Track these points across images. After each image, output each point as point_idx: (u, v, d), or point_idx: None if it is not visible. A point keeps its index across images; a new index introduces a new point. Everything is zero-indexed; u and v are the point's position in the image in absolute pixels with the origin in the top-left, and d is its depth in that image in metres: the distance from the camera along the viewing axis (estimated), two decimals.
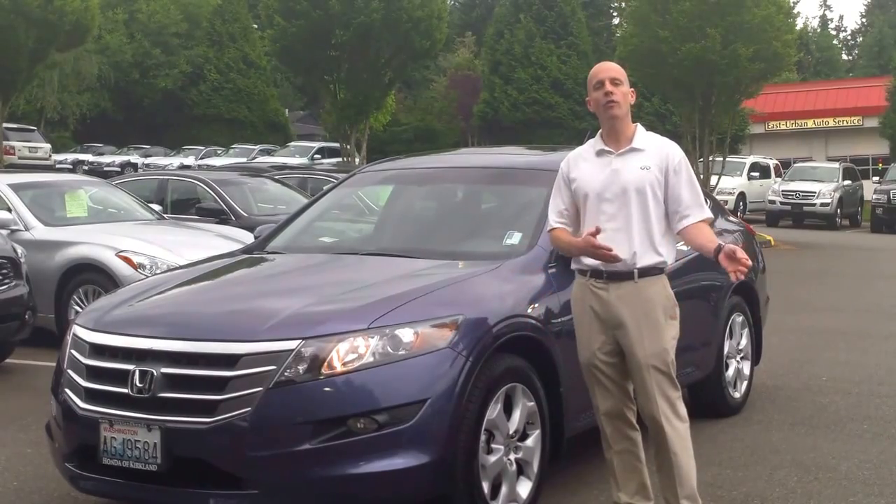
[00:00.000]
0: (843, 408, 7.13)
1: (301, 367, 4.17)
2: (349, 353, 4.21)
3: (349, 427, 4.13)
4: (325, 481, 4.12)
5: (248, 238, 8.28)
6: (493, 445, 4.50)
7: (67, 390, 4.59)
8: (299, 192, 13.55)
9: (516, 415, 4.62)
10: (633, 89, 4.52)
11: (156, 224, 10.61)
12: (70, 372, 4.63)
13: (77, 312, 8.47)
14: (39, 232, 9.67)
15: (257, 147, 41.03)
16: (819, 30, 77.77)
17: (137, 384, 4.30)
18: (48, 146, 36.04)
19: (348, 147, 28.91)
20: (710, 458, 5.79)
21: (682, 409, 4.47)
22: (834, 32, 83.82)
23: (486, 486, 4.42)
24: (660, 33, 22.17)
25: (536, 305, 4.85)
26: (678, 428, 4.43)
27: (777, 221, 30.62)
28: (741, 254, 4.19)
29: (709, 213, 4.49)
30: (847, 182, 32.02)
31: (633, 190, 4.39)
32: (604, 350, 4.50)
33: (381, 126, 35.96)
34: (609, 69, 4.51)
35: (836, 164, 33.81)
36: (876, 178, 33.74)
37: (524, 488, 4.66)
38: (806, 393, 7.60)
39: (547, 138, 41.61)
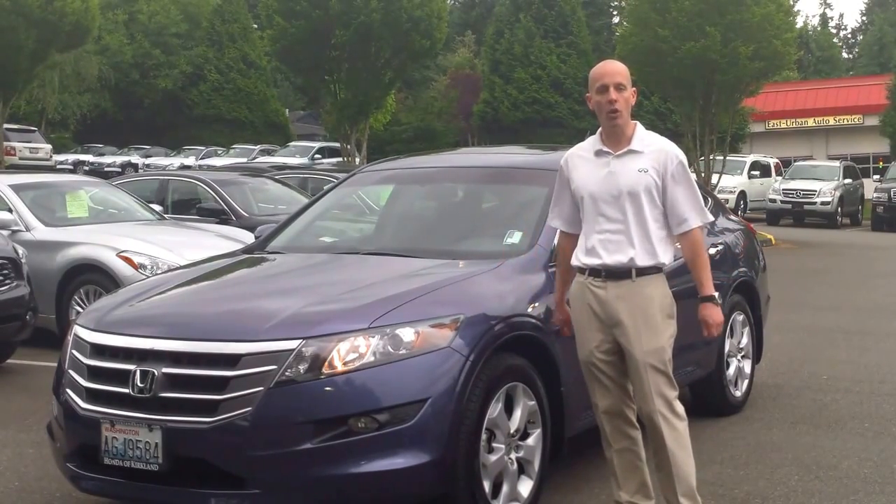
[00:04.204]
0: (844, 406, 7.13)
1: (302, 367, 4.18)
2: (350, 352, 4.21)
3: (350, 426, 4.13)
4: (326, 481, 4.13)
5: (248, 238, 8.29)
6: (494, 444, 4.50)
7: (69, 390, 4.59)
8: (300, 192, 13.55)
9: (517, 414, 4.62)
10: (634, 88, 4.51)
11: (156, 224, 10.61)
12: (71, 372, 4.63)
13: (78, 313, 8.47)
14: (40, 232, 9.68)
15: (258, 147, 41.05)
16: (819, 28, 77.79)
17: (138, 384, 4.30)
18: (49, 147, 36.09)
19: (348, 147, 28.93)
20: (711, 457, 5.79)
21: (680, 408, 4.47)
22: (834, 31, 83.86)
23: (487, 485, 4.43)
24: (659, 32, 22.17)
25: (537, 304, 4.85)
26: (676, 427, 4.43)
27: (778, 220, 30.62)
28: (715, 323, 4.41)
29: (708, 217, 4.48)
30: (848, 180, 32.00)
31: (630, 193, 4.39)
32: (602, 349, 4.50)
33: (381, 126, 35.98)
34: (613, 73, 4.43)
35: (837, 163, 33.80)
36: (876, 177, 33.71)
37: (525, 487, 4.66)
38: (807, 391, 7.60)
39: (547, 138, 41.56)
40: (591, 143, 4.57)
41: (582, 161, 4.55)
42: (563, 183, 4.62)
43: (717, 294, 4.39)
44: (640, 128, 4.53)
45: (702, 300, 4.39)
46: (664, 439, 4.41)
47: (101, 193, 11.20)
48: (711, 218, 4.57)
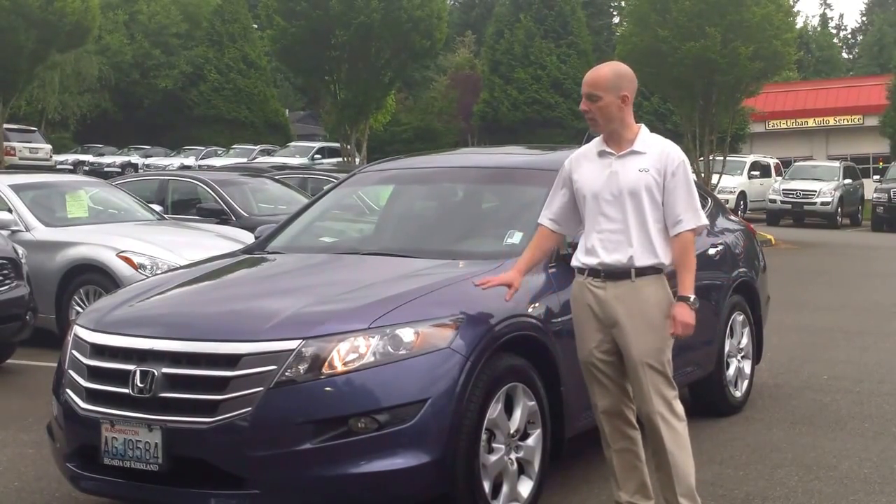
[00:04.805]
0: (844, 406, 7.13)
1: (302, 367, 4.18)
2: (350, 352, 4.21)
3: (350, 427, 4.13)
4: (325, 481, 4.13)
5: (248, 238, 8.29)
6: (494, 445, 4.50)
7: (68, 390, 4.59)
8: (299, 193, 13.55)
9: (517, 414, 4.62)
10: (625, 93, 4.43)
11: (156, 224, 10.62)
12: (71, 372, 4.63)
13: (78, 313, 8.47)
14: (40, 233, 9.68)
15: (257, 147, 41.07)
16: (819, 28, 77.76)
17: (138, 384, 4.30)
18: (49, 147, 36.09)
19: (348, 147, 28.93)
20: (711, 457, 5.79)
21: (679, 408, 4.47)
22: (834, 31, 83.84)
23: (486, 486, 4.43)
24: (660, 32, 22.18)
25: (537, 305, 4.86)
26: (675, 427, 4.43)
27: (778, 220, 30.62)
28: (682, 322, 4.32)
29: (702, 221, 4.47)
30: (847, 181, 32.01)
31: (631, 192, 4.40)
32: (601, 349, 4.51)
33: (381, 126, 35.96)
34: (590, 82, 4.43)
35: (837, 163, 33.80)
36: (876, 177, 33.72)
37: (525, 487, 4.66)
38: (807, 391, 7.60)
39: (547, 138, 41.60)
40: (596, 143, 4.60)
41: (586, 161, 4.58)
42: (561, 182, 4.63)
43: (693, 297, 4.36)
44: (644, 130, 4.54)
45: (678, 299, 4.39)
46: (663, 440, 4.41)
47: (101, 193, 11.21)
48: (706, 222, 4.56)
